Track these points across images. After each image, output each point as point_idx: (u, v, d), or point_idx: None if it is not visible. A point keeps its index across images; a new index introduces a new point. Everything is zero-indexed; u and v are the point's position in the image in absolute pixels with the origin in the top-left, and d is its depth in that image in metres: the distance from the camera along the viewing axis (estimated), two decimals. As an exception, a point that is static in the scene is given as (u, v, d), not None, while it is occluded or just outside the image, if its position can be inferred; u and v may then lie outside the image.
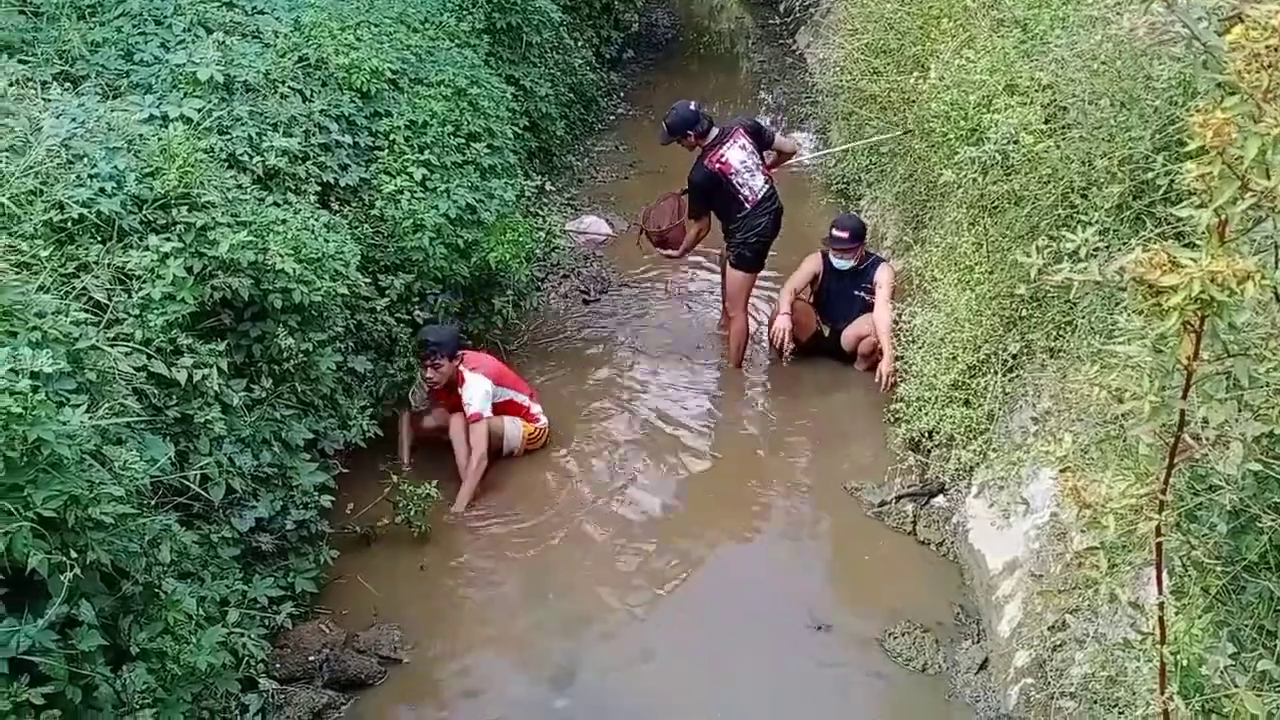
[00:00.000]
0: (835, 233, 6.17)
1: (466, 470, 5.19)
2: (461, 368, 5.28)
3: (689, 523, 5.25)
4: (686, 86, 12.04)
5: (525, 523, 5.10)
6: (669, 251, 6.50)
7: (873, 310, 6.03)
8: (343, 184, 5.42)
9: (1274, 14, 1.87)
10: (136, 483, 3.13)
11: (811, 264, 6.39)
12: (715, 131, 6.08)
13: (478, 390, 5.26)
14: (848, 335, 6.22)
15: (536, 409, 5.55)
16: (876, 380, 5.81)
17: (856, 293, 6.20)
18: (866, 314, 6.11)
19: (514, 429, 5.43)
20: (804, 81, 11.48)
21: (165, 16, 5.36)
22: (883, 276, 6.11)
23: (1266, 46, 1.83)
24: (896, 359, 5.48)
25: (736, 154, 6.07)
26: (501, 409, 5.40)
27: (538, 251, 6.69)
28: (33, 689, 2.57)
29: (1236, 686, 2.26)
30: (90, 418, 2.90)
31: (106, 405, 3.12)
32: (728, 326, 6.47)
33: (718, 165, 6.03)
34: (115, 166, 3.97)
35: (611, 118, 10.74)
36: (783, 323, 6.17)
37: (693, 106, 6.09)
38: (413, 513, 4.83)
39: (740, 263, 6.16)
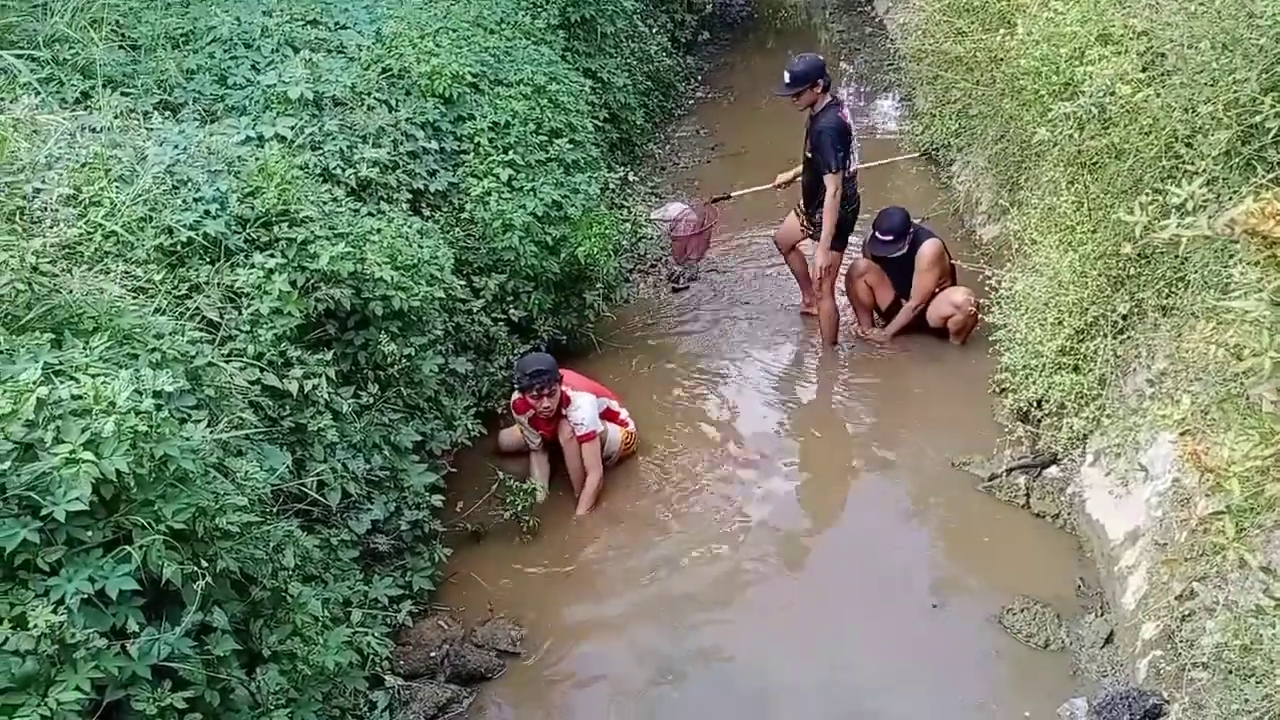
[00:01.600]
0: (879, 235, 6.10)
1: (586, 487, 5.12)
2: (565, 389, 5.12)
3: (794, 506, 5.22)
4: (765, 64, 11.92)
5: (631, 514, 5.13)
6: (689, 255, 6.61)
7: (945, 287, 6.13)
8: (432, 190, 5.53)
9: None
10: (258, 492, 3.26)
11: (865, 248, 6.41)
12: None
13: (587, 407, 5.13)
14: (932, 315, 6.16)
15: (625, 413, 5.48)
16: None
17: (911, 269, 6.17)
18: (943, 292, 6.10)
19: (614, 435, 5.35)
20: (885, 49, 11.24)
21: (254, 39, 5.55)
22: (924, 259, 6.09)
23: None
24: (998, 328, 5.34)
25: (849, 118, 5.95)
26: (602, 417, 5.29)
27: (625, 242, 6.73)
28: (175, 694, 2.70)
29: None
30: (211, 432, 3.03)
31: (226, 419, 3.25)
32: (814, 305, 6.40)
33: (847, 120, 5.89)
34: (218, 189, 4.13)
35: (690, 102, 10.71)
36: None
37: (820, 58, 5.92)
38: (520, 509, 4.92)
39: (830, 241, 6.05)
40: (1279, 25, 3.79)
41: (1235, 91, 3.91)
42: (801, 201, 6.25)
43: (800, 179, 6.23)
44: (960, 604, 4.38)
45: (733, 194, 6.91)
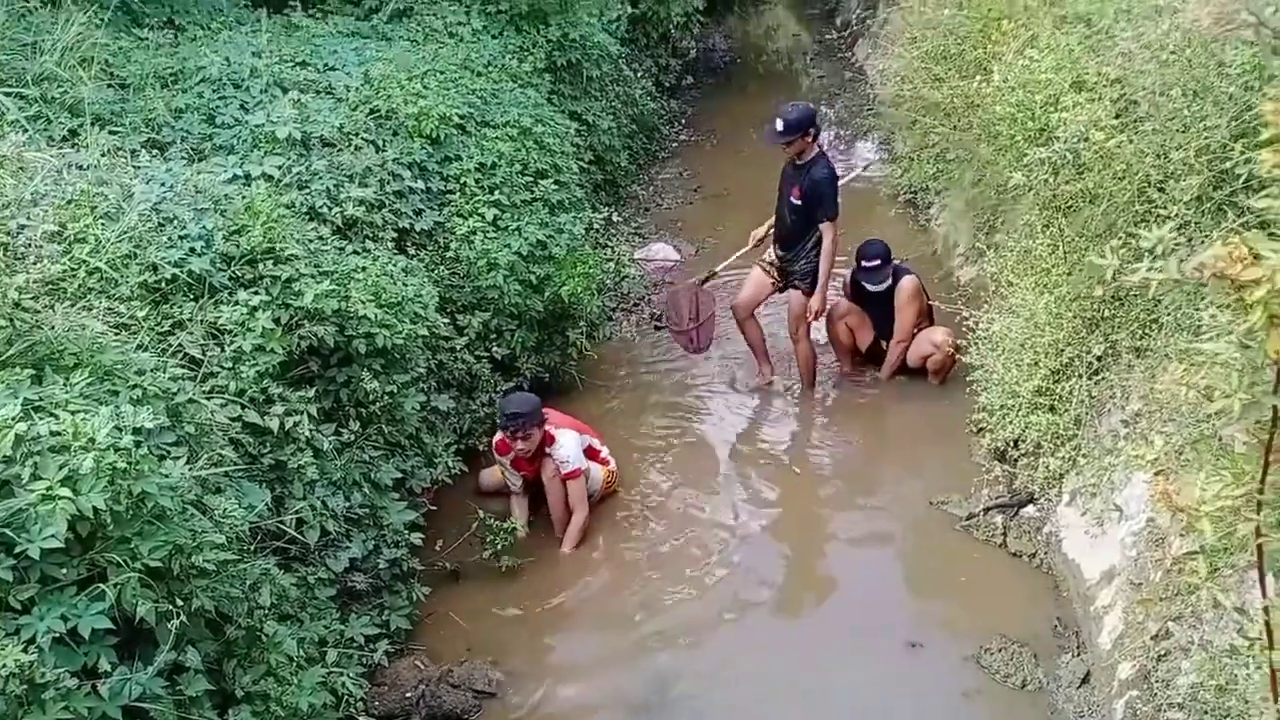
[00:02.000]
0: (864, 263, 6.16)
1: (572, 525, 5.10)
2: (548, 428, 5.09)
3: (774, 545, 5.22)
4: (747, 108, 12.07)
5: (610, 553, 5.12)
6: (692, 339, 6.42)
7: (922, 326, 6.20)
8: (418, 229, 5.57)
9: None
10: (236, 529, 3.25)
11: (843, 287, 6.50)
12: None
13: (571, 445, 5.09)
14: (912, 355, 6.22)
15: (606, 451, 5.44)
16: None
17: (891, 308, 6.23)
18: (922, 332, 6.18)
19: (596, 473, 5.31)
20: (865, 94, 11.43)
21: (243, 80, 5.61)
22: (903, 295, 6.15)
23: (1334, 31, 1.79)
24: (975, 368, 5.39)
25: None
26: (585, 454, 5.26)
27: (608, 282, 6.77)
28: (147, 733, 2.67)
29: (1353, 691, 2.17)
30: (190, 469, 3.02)
31: (205, 456, 3.25)
32: (772, 377, 6.40)
33: (836, 169, 5.92)
34: (204, 226, 4.16)
35: (674, 144, 10.83)
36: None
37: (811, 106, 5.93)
38: (499, 547, 4.91)
39: (810, 286, 6.04)
40: (1247, 74, 3.89)
41: (1206, 138, 4.00)
42: (775, 251, 6.19)
43: (775, 230, 6.21)
44: (939, 643, 4.39)
45: (719, 269, 6.64)
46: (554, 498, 5.13)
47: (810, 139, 5.79)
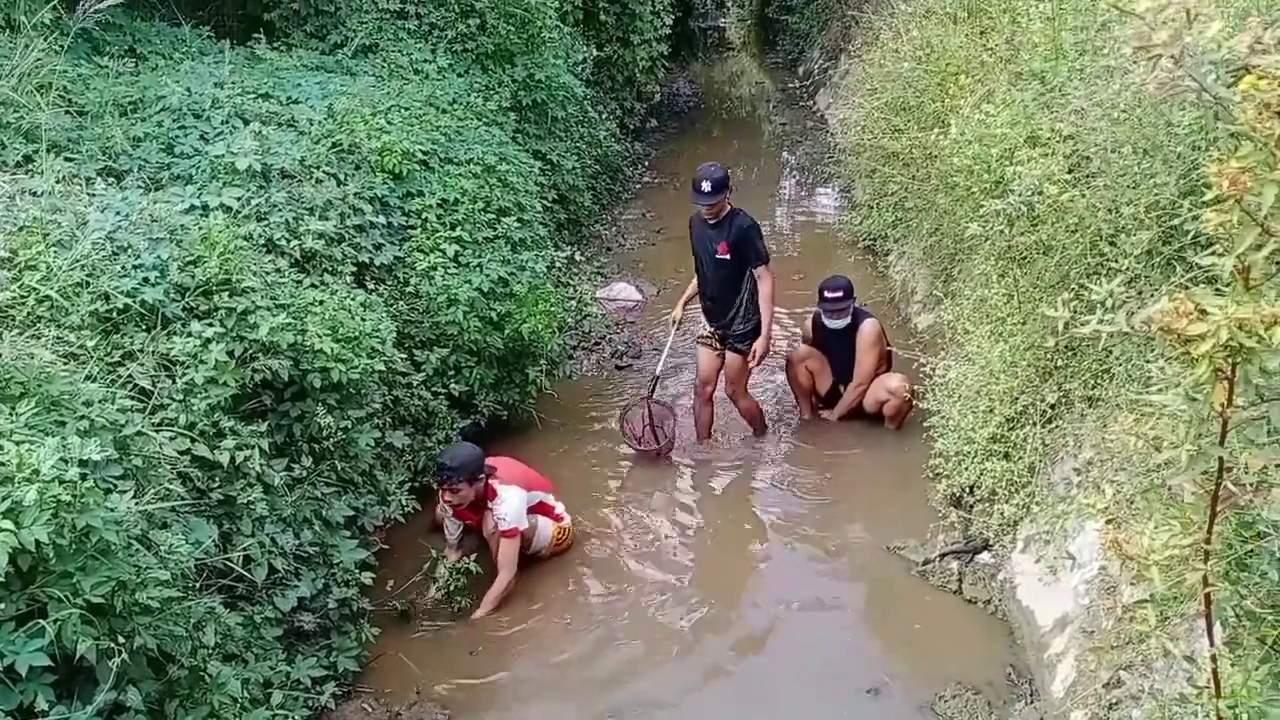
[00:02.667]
0: (827, 294, 6.22)
1: (494, 587, 4.89)
2: (492, 482, 4.94)
3: (731, 592, 5.19)
4: (710, 152, 12.23)
5: (563, 596, 5.06)
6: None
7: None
8: (377, 263, 5.54)
9: (1281, 64, 1.89)
10: (181, 566, 3.18)
11: (805, 327, 6.60)
12: None
13: (513, 503, 4.91)
14: (869, 401, 6.29)
15: (560, 507, 5.29)
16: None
17: (851, 351, 6.29)
18: (879, 378, 6.25)
19: (545, 529, 5.16)
20: (826, 142, 11.62)
21: (204, 110, 5.57)
22: (864, 339, 6.22)
23: (1276, 96, 1.85)
24: (932, 414, 5.44)
25: None
26: (533, 511, 5.12)
27: (569, 320, 6.77)
28: (82, 776, 2.58)
29: (1299, 741, 2.19)
30: (137, 503, 2.95)
31: (152, 490, 3.18)
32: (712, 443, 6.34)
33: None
34: (158, 256, 4.10)
35: (637, 186, 10.93)
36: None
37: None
38: (451, 589, 4.84)
39: (746, 344, 6.02)
40: (1195, 134, 4.01)
41: (1156, 194, 4.10)
42: (708, 324, 6.17)
43: (702, 301, 6.17)
44: (894, 690, 4.37)
45: (658, 372, 6.35)
46: (494, 553, 4.98)
47: (727, 197, 5.84)
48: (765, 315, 5.95)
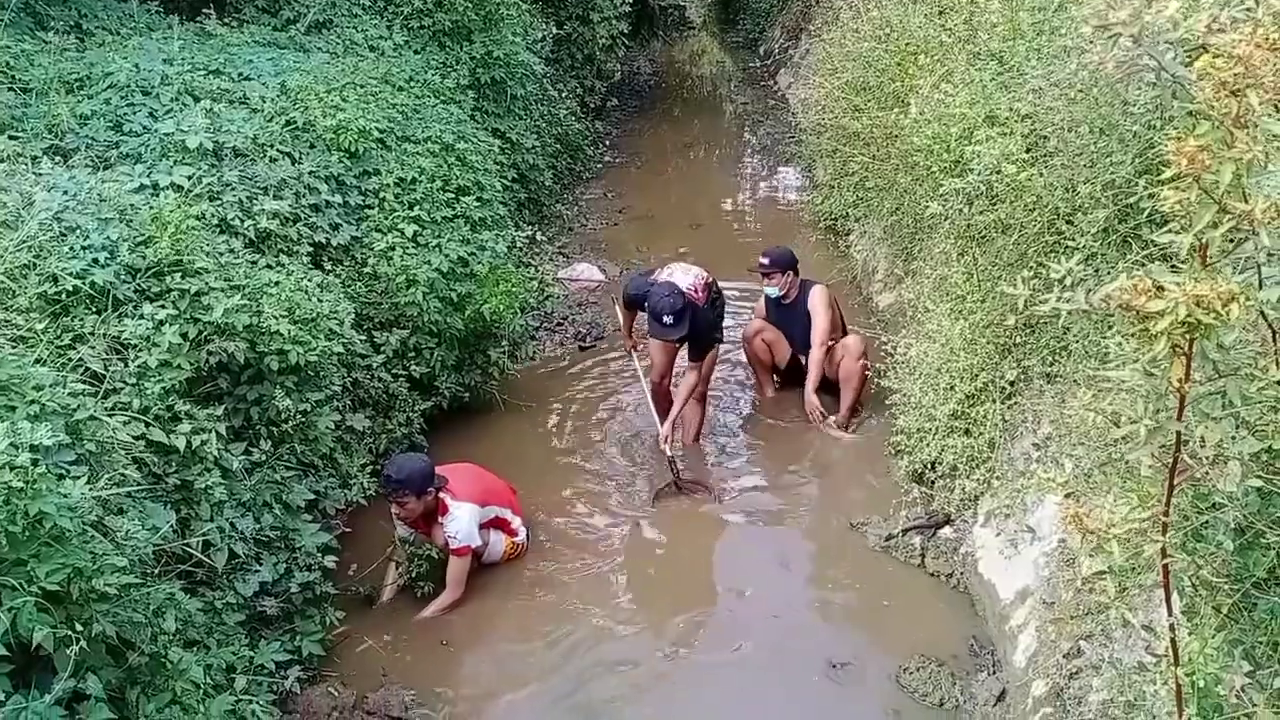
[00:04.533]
0: (760, 259, 6.32)
1: (438, 600, 4.77)
2: (443, 496, 4.73)
3: (694, 570, 5.22)
4: (672, 131, 12.20)
5: (532, 577, 5.06)
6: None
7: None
8: (334, 243, 5.46)
9: (1236, 43, 1.91)
10: (139, 552, 3.12)
11: (758, 307, 6.61)
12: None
13: (464, 520, 4.71)
14: (829, 367, 6.24)
15: (517, 522, 5.09)
16: (810, 417, 6.10)
17: (803, 320, 6.30)
18: (837, 344, 6.24)
19: (497, 544, 5.00)
20: (787, 121, 11.64)
21: (153, 87, 5.43)
22: (815, 302, 6.23)
23: (1233, 75, 1.87)
24: (893, 392, 5.48)
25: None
26: (487, 526, 4.95)
27: (531, 301, 6.73)
28: (40, 768, 2.54)
29: (1255, 705, 2.24)
30: (91, 489, 2.89)
31: (107, 475, 3.11)
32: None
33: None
34: (108, 237, 4.00)
35: (599, 165, 10.87)
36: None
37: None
38: (414, 575, 4.80)
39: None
40: (1150, 113, 4.06)
41: (1112, 173, 4.15)
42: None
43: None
44: (860, 664, 4.42)
45: (669, 453, 5.73)
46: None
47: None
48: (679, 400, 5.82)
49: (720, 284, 6.06)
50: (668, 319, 5.56)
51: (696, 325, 5.69)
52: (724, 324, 6.16)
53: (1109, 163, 4.16)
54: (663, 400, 6.09)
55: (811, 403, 6.12)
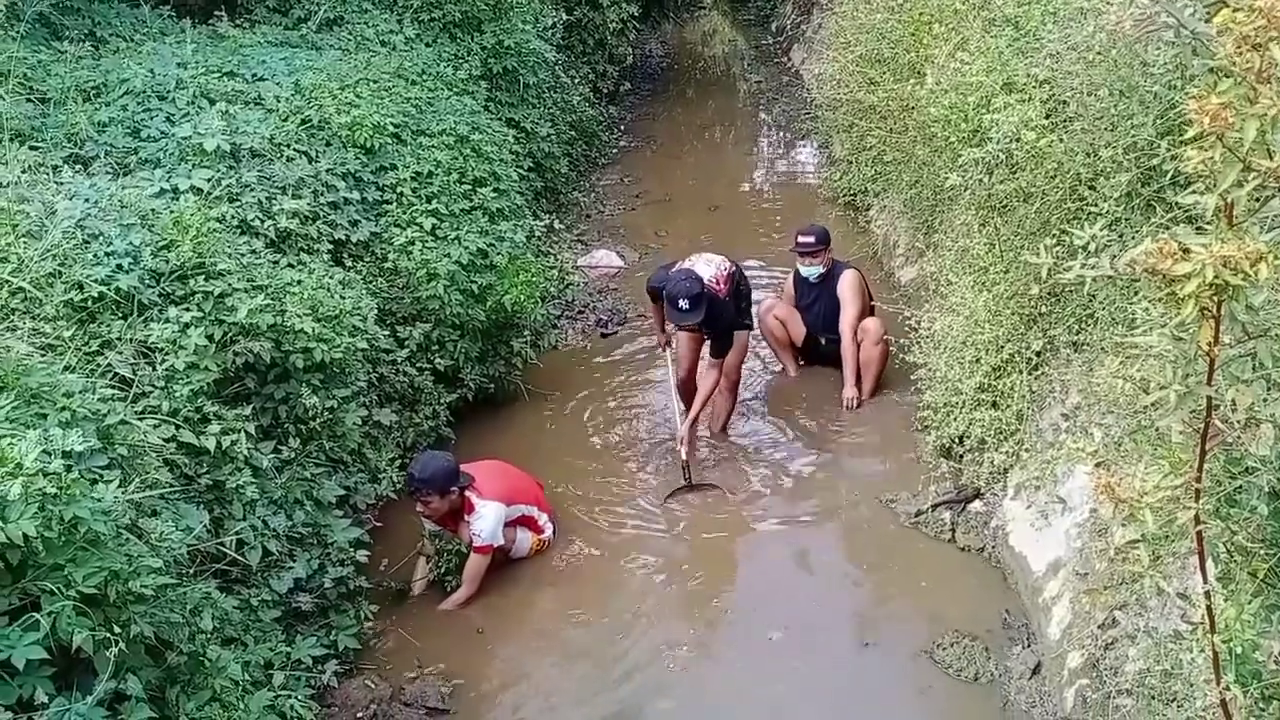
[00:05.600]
0: (800, 238, 6.27)
1: (455, 594, 4.79)
2: (469, 494, 4.75)
3: (725, 552, 5.22)
4: (687, 113, 12.13)
5: (561, 567, 5.07)
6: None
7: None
8: (354, 240, 5.48)
9: (1257, -4, 1.87)
10: (174, 553, 3.16)
11: (787, 288, 6.59)
12: None
13: (489, 519, 4.72)
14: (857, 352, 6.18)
15: (543, 519, 5.09)
16: (846, 407, 6.06)
17: (831, 302, 6.28)
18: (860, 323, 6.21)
19: (524, 540, 5.01)
20: (802, 98, 11.55)
21: (168, 91, 5.47)
22: (845, 289, 6.20)
23: (1255, 28, 1.83)
24: (919, 367, 5.44)
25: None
26: (514, 524, 4.96)
27: (552, 290, 6.73)
28: (86, 767, 2.58)
29: (1294, 671, 2.22)
30: (124, 492, 2.92)
31: (139, 478, 3.15)
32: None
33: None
34: (130, 242, 4.03)
35: (614, 151, 10.83)
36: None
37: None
38: (444, 570, 4.84)
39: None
40: (1170, 73, 3.99)
41: (1133, 136, 4.09)
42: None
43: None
44: (892, 641, 4.42)
45: (684, 457, 5.65)
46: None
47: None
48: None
49: (744, 267, 6.04)
50: (684, 303, 5.52)
51: (716, 318, 5.64)
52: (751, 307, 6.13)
53: (1130, 125, 4.10)
54: (688, 395, 6.05)
55: (850, 394, 6.08)
